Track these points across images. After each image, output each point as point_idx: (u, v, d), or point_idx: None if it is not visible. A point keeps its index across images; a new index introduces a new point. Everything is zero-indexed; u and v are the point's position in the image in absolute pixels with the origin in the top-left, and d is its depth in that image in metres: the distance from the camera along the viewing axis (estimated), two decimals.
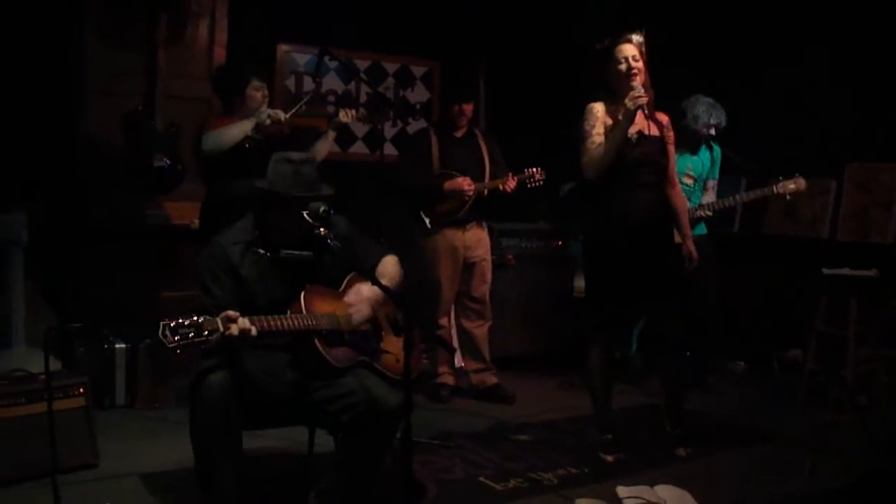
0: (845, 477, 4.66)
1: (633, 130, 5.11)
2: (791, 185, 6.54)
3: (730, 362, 7.81)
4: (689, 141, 6.64)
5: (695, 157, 6.74)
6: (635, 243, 5.19)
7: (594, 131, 5.18)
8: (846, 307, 6.67)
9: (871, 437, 5.79)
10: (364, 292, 4.19)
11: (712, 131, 6.72)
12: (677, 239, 5.47)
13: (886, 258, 6.84)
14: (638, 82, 5.08)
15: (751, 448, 5.78)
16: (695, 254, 5.42)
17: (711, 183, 6.90)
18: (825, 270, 6.79)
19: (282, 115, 5.72)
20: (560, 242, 8.07)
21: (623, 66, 5.13)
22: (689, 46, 7.78)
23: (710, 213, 6.68)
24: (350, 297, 4.18)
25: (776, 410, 6.63)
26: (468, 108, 6.65)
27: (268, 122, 5.66)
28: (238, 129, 5.69)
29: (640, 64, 5.14)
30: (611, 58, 5.19)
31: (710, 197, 6.85)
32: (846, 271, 6.71)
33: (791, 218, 7.68)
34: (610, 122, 5.20)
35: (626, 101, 5.02)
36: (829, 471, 5.03)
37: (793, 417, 6.38)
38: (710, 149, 6.84)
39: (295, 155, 4.19)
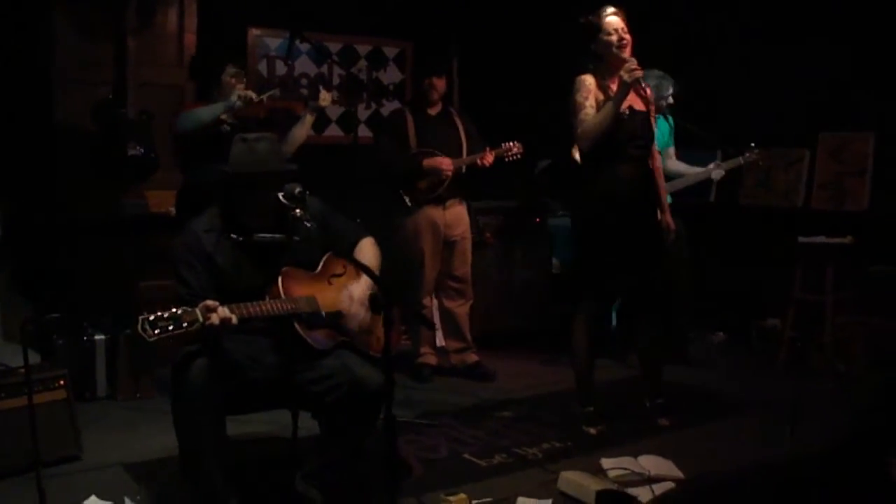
0: (825, 443, 4.69)
1: (623, 106, 5.12)
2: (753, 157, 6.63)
3: (708, 333, 7.85)
4: None
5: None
6: (624, 217, 5.22)
7: (587, 103, 5.18)
8: (823, 275, 6.72)
9: (849, 403, 5.84)
10: (356, 294, 4.19)
11: (670, 100, 6.77)
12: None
13: (861, 225, 6.89)
14: (628, 53, 5.11)
15: (731, 416, 5.83)
16: (672, 225, 5.46)
17: (671, 151, 6.97)
18: (801, 239, 6.84)
19: (252, 95, 5.74)
20: (537, 219, 8.07)
21: (614, 38, 5.14)
22: (661, 18, 7.79)
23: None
24: (345, 303, 4.17)
25: (755, 379, 6.67)
26: (439, 82, 6.63)
27: (239, 103, 5.68)
28: (209, 111, 5.74)
29: (629, 36, 5.16)
30: (599, 30, 5.19)
31: (674, 164, 6.93)
32: (822, 239, 6.76)
33: (766, 188, 7.72)
34: (601, 95, 5.20)
35: (622, 73, 5.02)
36: (808, 437, 5.07)
37: (772, 385, 6.42)
38: (666, 119, 6.89)
39: (249, 135, 4.19)
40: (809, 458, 4.46)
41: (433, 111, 6.68)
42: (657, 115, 6.71)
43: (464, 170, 6.56)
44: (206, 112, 5.76)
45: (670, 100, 6.78)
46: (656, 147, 5.55)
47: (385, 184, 6.62)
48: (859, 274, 6.64)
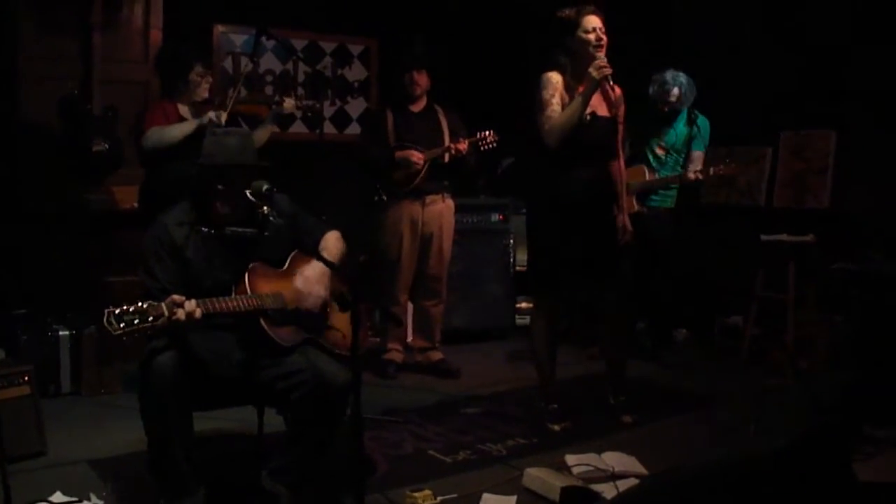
0: (787, 438, 4.74)
1: (586, 110, 5.11)
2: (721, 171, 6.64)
3: (672, 330, 7.91)
4: (661, 116, 6.80)
5: (669, 129, 6.84)
6: (578, 220, 5.22)
7: (554, 100, 5.14)
8: (785, 273, 6.78)
9: (811, 399, 5.90)
10: (310, 275, 4.17)
11: (673, 96, 6.88)
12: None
13: (822, 223, 6.95)
14: (603, 53, 5.08)
15: (695, 413, 5.86)
16: (628, 226, 5.45)
17: (696, 154, 6.95)
18: (763, 237, 6.89)
19: (223, 119, 5.73)
20: (501, 217, 8.08)
21: (592, 36, 5.09)
22: (622, 16, 7.82)
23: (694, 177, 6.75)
24: (299, 283, 4.16)
25: (718, 376, 6.71)
26: (420, 77, 6.61)
27: (209, 125, 5.67)
28: (179, 131, 5.75)
29: (605, 37, 5.12)
30: (577, 27, 5.13)
31: (696, 167, 6.89)
32: (784, 237, 6.82)
33: (728, 186, 7.77)
34: (567, 95, 5.17)
35: (591, 69, 5.01)
36: (771, 433, 5.12)
37: (735, 382, 6.47)
38: (692, 120, 6.94)
39: (220, 129, 4.20)
40: (771, 454, 4.52)
41: (415, 108, 6.67)
42: (681, 115, 6.80)
43: (446, 159, 6.51)
44: (177, 130, 5.75)
45: (673, 97, 6.87)
46: (621, 147, 5.54)
47: (363, 179, 6.62)
48: (821, 272, 6.70)
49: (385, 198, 6.50)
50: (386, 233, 6.58)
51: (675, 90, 6.83)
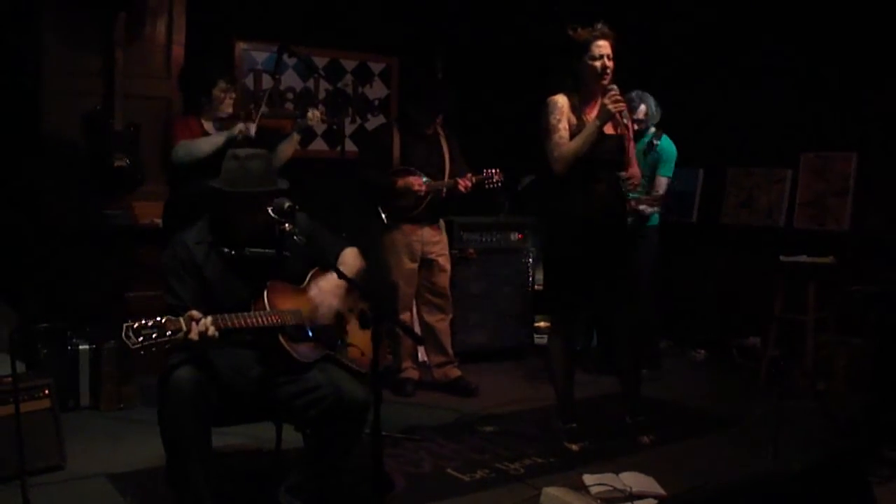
0: (806, 460, 4.73)
1: None
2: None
3: (690, 351, 7.89)
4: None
5: None
6: (592, 238, 5.22)
7: (561, 125, 5.15)
8: (804, 294, 6.76)
9: (830, 421, 5.88)
10: (324, 287, 4.21)
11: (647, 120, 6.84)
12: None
13: (842, 245, 6.94)
14: (609, 81, 5.08)
15: (713, 434, 5.85)
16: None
17: (660, 180, 6.78)
18: (782, 258, 6.88)
19: (252, 131, 5.75)
20: (520, 236, 8.09)
21: (598, 64, 5.08)
22: (646, 37, 7.83)
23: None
24: (313, 293, 4.19)
25: (737, 397, 6.70)
26: (441, 119, 6.68)
27: (239, 137, 5.68)
28: (209, 144, 5.75)
29: (612, 63, 5.11)
30: (585, 51, 5.12)
31: (660, 193, 6.78)
32: (803, 258, 6.81)
33: (748, 207, 7.77)
34: (573, 118, 5.18)
35: (606, 101, 5.03)
36: (790, 454, 5.11)
37: (753, 403, 6.43)
38: (652, 145, 6.82)
39: (242, 151, 4.18)
40: (790, 475, 4.51)
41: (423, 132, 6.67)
42: (643, 138, 6.75)
43: (444, 193, 6.57)
44: (207, 144, 5.75)
45: (641, 113, 6.82)
46: (633, 160, 5.46)
47: (364, 198, 6.63)
48: (840, 293, 6.69)
49: (386, 221, 6.52)
50: (386, 254, 6.61)
51: (642, 107, 6.77)
